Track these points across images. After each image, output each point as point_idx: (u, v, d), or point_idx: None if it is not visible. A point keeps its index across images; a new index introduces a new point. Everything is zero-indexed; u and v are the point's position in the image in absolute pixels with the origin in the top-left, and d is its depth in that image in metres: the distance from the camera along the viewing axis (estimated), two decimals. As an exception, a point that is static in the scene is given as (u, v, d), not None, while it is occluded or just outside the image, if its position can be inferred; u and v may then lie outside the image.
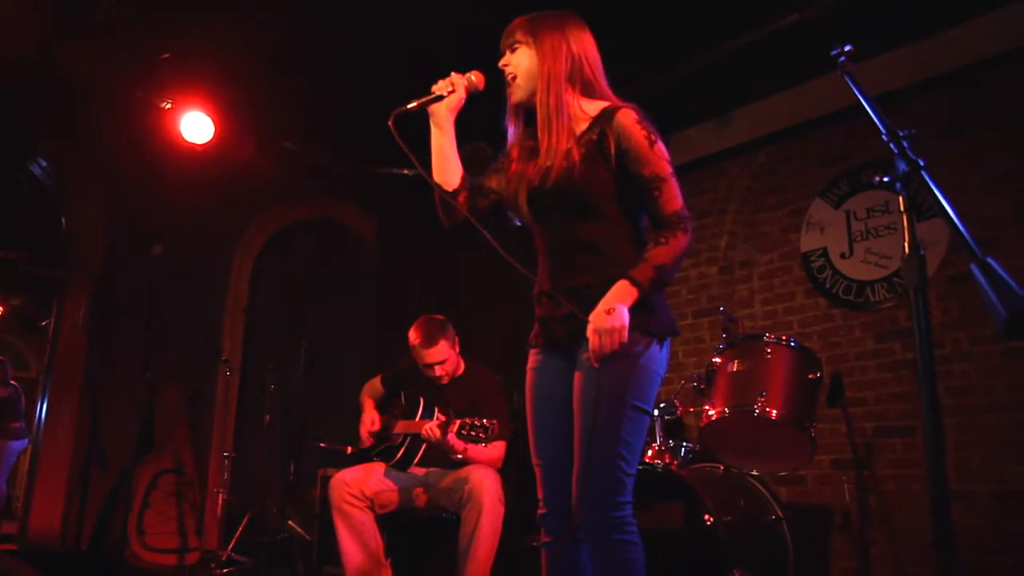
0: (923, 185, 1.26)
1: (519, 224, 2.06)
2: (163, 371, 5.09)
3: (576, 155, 1.86)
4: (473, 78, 1.99)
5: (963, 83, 3.69)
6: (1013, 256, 3.35)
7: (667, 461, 3.15)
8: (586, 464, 1.77)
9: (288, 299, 6.07)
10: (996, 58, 3.56)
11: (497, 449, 3.30)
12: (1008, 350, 3.38)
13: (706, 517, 2.74)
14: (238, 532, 4.77)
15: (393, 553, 3.40)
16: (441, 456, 3.25)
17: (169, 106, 4.69)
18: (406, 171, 5.44)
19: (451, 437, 3.07)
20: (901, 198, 1.31)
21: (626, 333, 1.71)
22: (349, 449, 3.88)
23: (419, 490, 3.38)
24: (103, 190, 5.50)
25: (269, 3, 3.99)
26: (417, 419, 3.33)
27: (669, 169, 1.84)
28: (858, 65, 1.50)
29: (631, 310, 1.74)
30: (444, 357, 3.38)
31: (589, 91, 1.95)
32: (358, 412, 3.65)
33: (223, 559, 4.68)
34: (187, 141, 4.76)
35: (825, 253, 4.11)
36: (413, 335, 3.41)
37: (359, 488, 3.29)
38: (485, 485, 3.11)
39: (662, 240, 1.79)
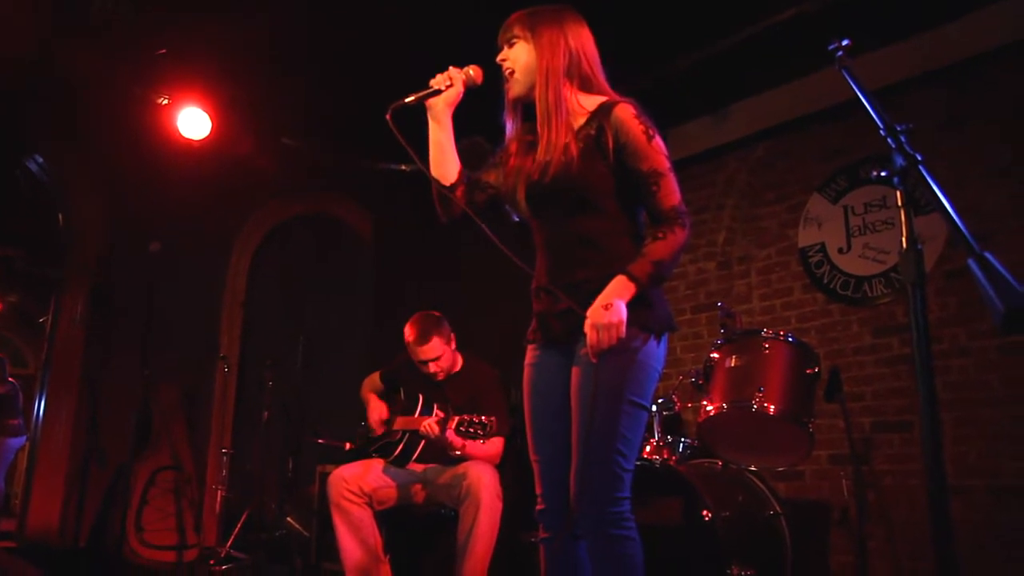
0: (921, 180, 1.26)
1: (517, 219, 2.06)
2: (161, 367, 5.08)
3: (574, 150, 1.86)
4: (471, 72, 1.99)
5: (963, 76, 3.69)
6: (1011, 250, 3.35)
7: (665, 456, 3.15)
8: (584, 460, 1.77)
9: (286, 295, 6.07)
10: (997, 51, 3.55)
11: (495, 445, 3.30)
12: (1005, 345, 3.38)
13: (704, 512, 2.74)
14: (236, 529, 4.78)
15: (392, 549, 3.40)
16: (439, 452, 3.26)
17: (166, 102, 4.67)
18: (404, 167, 5.43)
19: (450, 434, 3.07)
20: (899, 193, 1.31)
21: (624, 328, 1.71)
22: (348, 445, 3.88)
23: (417, 486, 3.38)
24: (101, 187, 5.49)
25: (265, -2, 3.98)
26: (416, 415, 3.33)
27: (667, 164, 1.84)
28: (856, 59, 1.49)
29: (629, 305, 1.74)
30: (438, 354, 3.38)
31: (587, 86, 1.95)
32: (356, 408, 3.65)
33: (222, 556, 4.69)
34: (184, 137, 4.75)
35: (823, 248, 4.11)
36: (408, 332, 3.41)
37: (357, 484, 3.29)
38: (483, 481, 3.11)
39: (660, 235, 1.79)
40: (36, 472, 5.09)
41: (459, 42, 2.40)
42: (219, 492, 5.14)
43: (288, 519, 4.76)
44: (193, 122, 4.72)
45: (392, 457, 3.36)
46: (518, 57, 1.95)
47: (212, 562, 4.72)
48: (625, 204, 1.88)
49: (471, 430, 2.97)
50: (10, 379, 6.81)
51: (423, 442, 3.28)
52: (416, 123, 1.97)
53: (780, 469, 3.62)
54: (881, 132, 1.34)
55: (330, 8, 3.99)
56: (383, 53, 4.28)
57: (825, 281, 4.06)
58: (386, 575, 3.31)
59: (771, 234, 4.36)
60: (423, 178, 2.03)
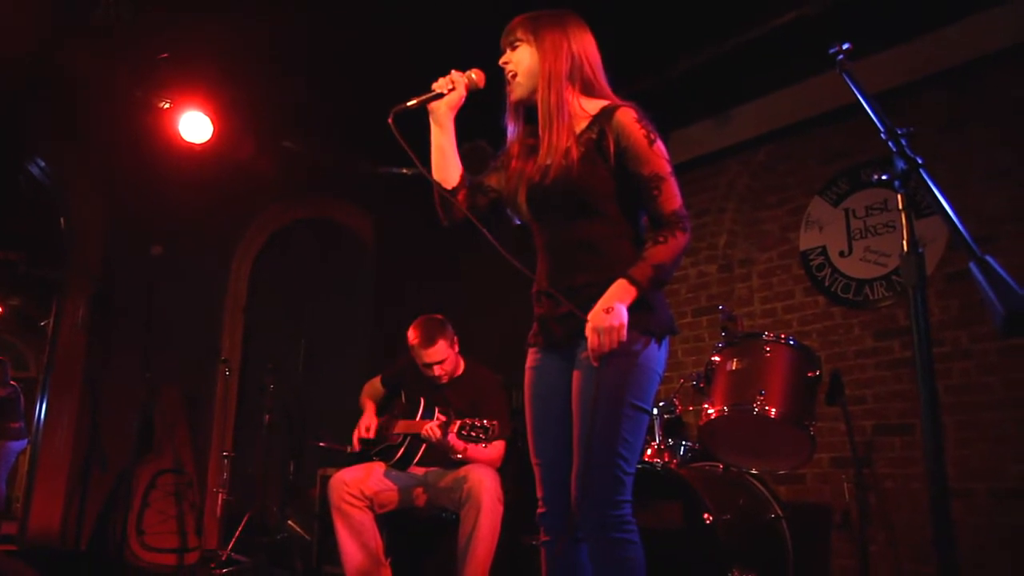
0: (922, 183, 1.26)
1: (518, 222, 2.06)
2: (162, 371, 5.08)
3: (575, 153, 1.86)
4: (474, 76, 1.99)
5: (963, 79, 3.69)
6: (1012, 253, 3.36)
7: (666, 460, 3.14)
8: (585, 463, 1.77)
9: (287, 299, 6.07)
10: (997, 54, 3.56)
11: (497, 449, 3.30)
12: (1007, 348, 3.38)
13: (705, 516, 2.73)
14: (238, 532, 4.77)
15: (393, 553, 3.40)
16: (441, 456, 3.26)
17: (168, 106, 4.68)
18: (405, 170, 5.44)
19: (451, 437, 3.07)
20: (900, 196, 1.31)
21: (625, 332, 1.71)
22: (349, 449, 3.88)
23: (419, 490, 3.38)
24: (102, 190, 5.50)
25: (268, 2, 3.98)
26: (417, 419, 3.33)
27: (668, 168, 1.84)
28: (858, 62, 1.50)
29: (630, 309, 1.74)
30: (443, 357, 3.38)
31: (589, 90, 1.95)
32: (358, 412, 3.65)
33: (223, 559, 4.68)
34: (186, 141, 4.76)
35: (824, 251, 4.11)
36: (412, 335, 3.41)
37: (359, 488, 3.29)
38: (484, 484, 3.11)
39: (661, 239, 1.79)
40: (37, 475, 5.09)
41: (459, 43, 2.41)
42: (220, 495, 5.14)
43: (289, 522, 4.76)
44: (194, 126, 4.72)
45: (393, 460, 3.36)
46: (521, 60, 1.95)
47: (213, 565, 4.72)
48: (626, 208, 1.88)
49: (473, 434, 2.96)
50: (11, 382, 6.81)
51: (424, 446, 3.28)
52: (418, 126, 1.97)
53: (781, 472, 3.62)
54: (882, 135, 1.34)
55: (331, 11, 4.00)
56: (384, 57, 4.29)
57: (826, 284, 4.06)
58: (387, 578, 3.31)
59: (772, 237, 4.37)
60: (424, 181, 2.03)
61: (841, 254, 4.04)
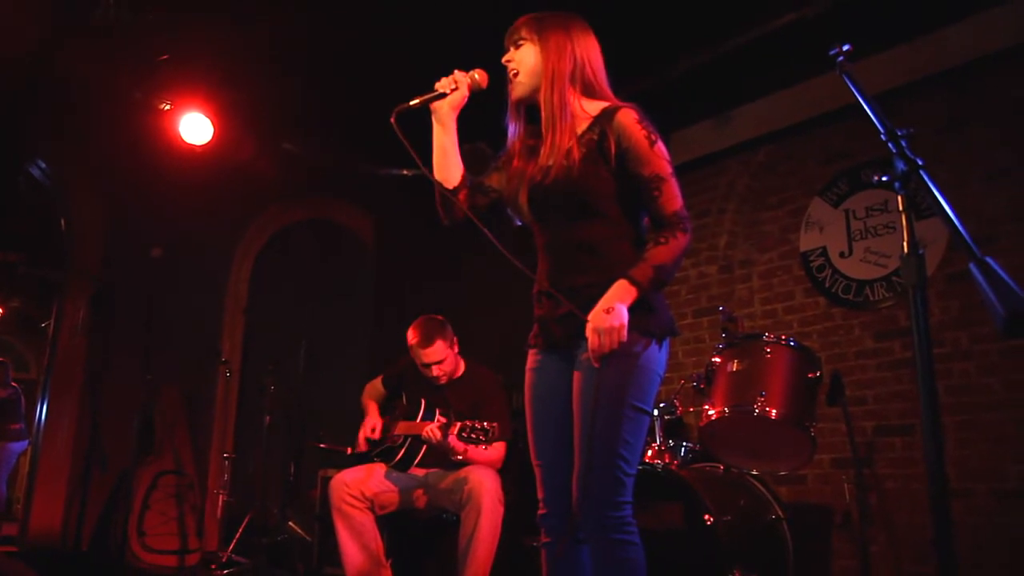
0: (922, 184, 1.26)
1: (519, 223, 2.06)
2: (163, 372, 5.09)
3: (576, 154, 1.86)
4: (476, 76, 1.98)
5: (963, 80, 3.69)
6: (1012, 254, 3.35)
7: (667, 461, 3.15)
8: (586, 464, 1.76)
9: (287, 299, 6.07)
10: (997, 54, 3.56)
11: (497, 450, 3.30)
12: (1007, 349, 3.38)
13: (706, 517, 2.73)
14: (238, 533, 4.78)
15: (393, 554, 3.40)
16: (441, 457, 3.26)
17: (168, 107, 4.68)
18: (405, 171, 5.44)
19: (452, 439, 3.07)
20: (900, 197, 1.31)
21: (625, 332, 1.71)
22: (349, 450, 3.88)
23: (419, 491, 3.38)
24: (102, 191, 5.50)
25: (268, 3, 3.98)
26: (418, 420, 3.33)
27: (669, 169, 1.84)
28: (858, 63, 1.49)
29: (630, 310, 1.74)
30: (442, 357, 3.38)
31: (590, 92, 1.96)
32: (358, 413, 3.65)
33: (223, 560, 4.68)
34: (186, 142, 4.76)
35: (824, 252, 4.11)
36: (411, 335, 3.41)
37: (359, 489, 3.29)
38: (484, 486, 3.11)
39: (661, 240, 1.79)
40: (38, 476, 5.09)
41: (460, 44, 2.41)
42: (221, 496, 5.14)
43: (290, 523, 4.76)
44: (195, 127, 4.72)
45: (394, 462, 3.35)
46: (524, 59, 1.95)
47: (214, 566, 4.72)
48: (627, 209, 1.88)
49: (473, 435, 2.96)
50: (12, 383, 6.82)
51: (425, 447, 3.28)
52: (419, 126, 1.97)
53: (782, 473, 3.62)
54: (882, 136, 1.34)
55: (331, 11, 4.00)
56: (384, 57, 4.29)
57: (827, 285, 4.06)
58: (388, 580, 3.31)
59: (773, 238, 4.37)
60: (424, 182, 2.03)
61: (841, 255, 4.04)
